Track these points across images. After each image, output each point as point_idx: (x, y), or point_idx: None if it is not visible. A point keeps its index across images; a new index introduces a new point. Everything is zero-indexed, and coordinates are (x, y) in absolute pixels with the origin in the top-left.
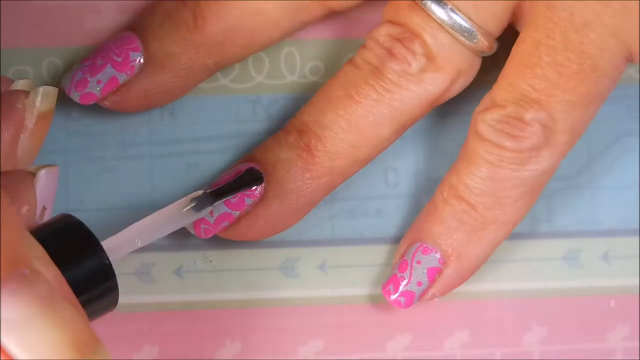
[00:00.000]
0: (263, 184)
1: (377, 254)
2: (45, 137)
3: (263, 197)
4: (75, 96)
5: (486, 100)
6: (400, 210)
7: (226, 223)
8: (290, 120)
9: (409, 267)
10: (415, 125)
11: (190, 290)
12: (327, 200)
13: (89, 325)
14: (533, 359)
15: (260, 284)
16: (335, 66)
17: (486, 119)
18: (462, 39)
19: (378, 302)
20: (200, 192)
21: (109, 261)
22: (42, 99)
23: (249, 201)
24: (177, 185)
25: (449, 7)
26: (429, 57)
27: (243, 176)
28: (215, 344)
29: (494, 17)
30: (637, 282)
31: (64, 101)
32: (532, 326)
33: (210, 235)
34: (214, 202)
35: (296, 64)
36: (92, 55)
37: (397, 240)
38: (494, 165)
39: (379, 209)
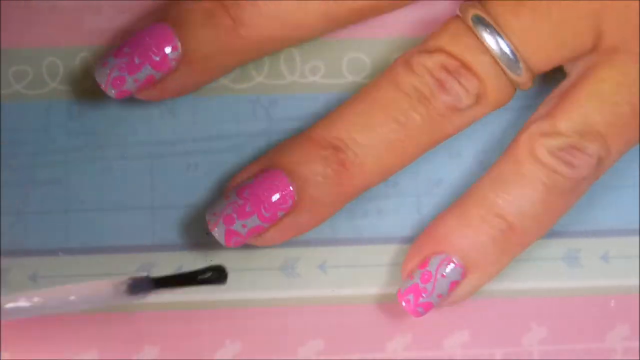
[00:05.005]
0: (294, 196)
1: (377, 254)
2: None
3: (295, 209)
4: (111, 92)
5: (544, 125)
6: (400, 210)
7: (256, 233)
8: (319, 128)
9: (433, 280)
10: None
11: (190, 290)
12: None
13: None
14: (533, 359)
15: (260, 284)
16: (335, 66)
17: (547, 145)
18: (508, 71)
19: (378, 302)
20: (144, 274)
21: None
22: None
23: (281, 214)
24: (177, 185)
25: (502, 37)
26: (480, 95)
27: (204, 273)
28: (215, 344)
29: (545, 55)
30: (637, 282)
31: (63, 100)
32: (532, 326)
33: (239, 245)
34: (153, 290)
35: (296, 64)
36: (129, 51)
37: (396, 240)
38: (549, 189)
39: (379, 209)
